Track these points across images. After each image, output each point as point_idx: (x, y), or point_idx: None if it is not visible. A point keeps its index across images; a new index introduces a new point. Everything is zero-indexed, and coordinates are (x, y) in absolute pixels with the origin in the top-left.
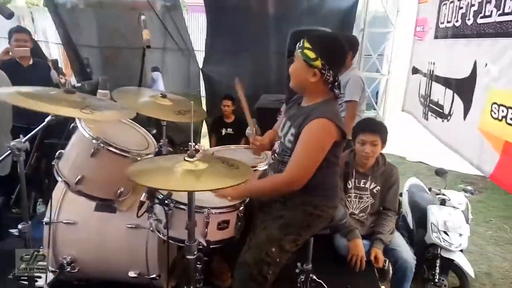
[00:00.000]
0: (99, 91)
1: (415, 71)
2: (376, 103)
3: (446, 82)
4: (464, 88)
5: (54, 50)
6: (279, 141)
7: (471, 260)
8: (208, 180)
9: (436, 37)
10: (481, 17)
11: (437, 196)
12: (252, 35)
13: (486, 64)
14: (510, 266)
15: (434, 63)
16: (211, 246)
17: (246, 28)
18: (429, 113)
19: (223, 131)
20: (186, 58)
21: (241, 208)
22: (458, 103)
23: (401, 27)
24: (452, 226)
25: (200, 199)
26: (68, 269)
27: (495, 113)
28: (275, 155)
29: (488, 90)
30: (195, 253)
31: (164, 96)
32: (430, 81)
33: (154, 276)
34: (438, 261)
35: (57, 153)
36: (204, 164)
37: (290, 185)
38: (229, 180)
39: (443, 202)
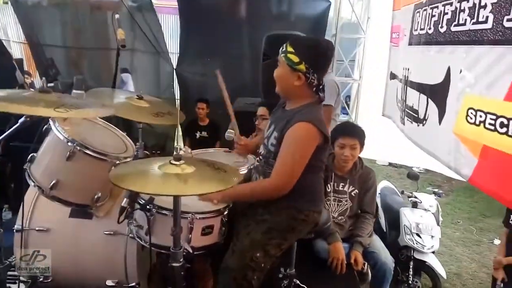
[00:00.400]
0: (74, 91)
1: (392, 76)
2: (348, 107)
3: (420, 88)
4: (438, 93)
5: (16, 49)
6: (263, 144)
7: (441, 261)
8: (196, 184)
9: (410, 43)
10: (455, 25)
11: (409, 199)
12: (226, 38)
13: (460, 71)
14: (478, 267)
15: (408, 69)
16: (195, 253)
17: (219, 31)
18: (405, 118)
19: (198, 134)
20: (156, 59)
21: (225, 212)
22: (433, 108)
23: (372, 33)
24: (425, 228)
25: (184, 203)
26: (41, 279)
27: (471, 118)
28: (260, 157)
29: (463, 96)
30: (181, 260)
31: (140, 97)
32: (405, 86)
33: (133, 284)
34: (411, 263)
35: (29, 157)
36: (190, 168)
37: (277, 190)
38: (218, 184)
39: (414, 205)
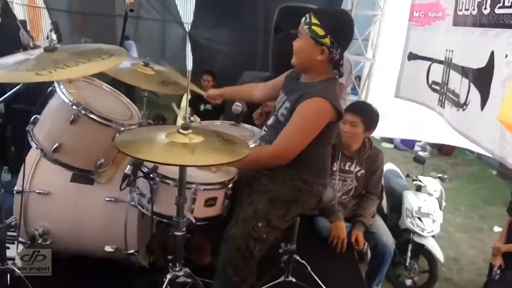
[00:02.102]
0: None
1: (413, 57)
2: (358, 86)
3: (463, 71)
4: (480, 78)
5: (19, 10)
6: (273, 114)
7: (440, 246)
8: (203, 154)
9: (455, 24)
10: (500, 7)
11: (414, 182)
12: (239, 8)
13: (506, 56)
14: (477, 253)
15: (452, 51)
16: (197, 223)
17: (233, 1)
18: (446, 101)
19: (202, 107)
20: (162, 27)
21: (230, 185)
22: (475, 93)
23: (390, 11)
24: (426, 212)
25: (188, 174)
26: (40, 241)
27: None
28: (267, 127)
29: (509, 82)
30: (183, 229)
31: (146, 64)
32: (448, 69)
33: (132, 251)
34: (410, 245)
35: (32, 118)
36: (198, 138)
37: (276, 158)
38: (226, 156)
39: (418, 189)
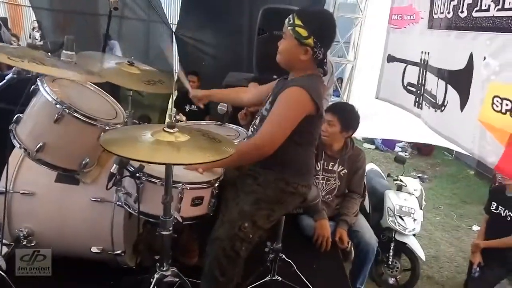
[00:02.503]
0: (64, 51)
1: (391, 59)
2: (340, 88)
3: (439, 73)
4: (459, 79)
5: None
6: (259, 114)
7: (420, 244)
8: (189, 153)
9: (430, 27)
10: (477, 11)
11: (395, 182)
12: (224, 10)
13: (484, 58)
14: (456, 251)
15: (428, 53)
16: (184, 223)
17: (219, 3)
18: (423, 103)
19: (187, 108)
20: (146, 28)
21: (216, 184)
22: (453, 94)
23: (371, 14)
24: (407, 211)
25: (174, 173)
26: (24, 243)
27: (497, 106)
28: (254, 126)
29: (488, 83)
30: (170, 229)
31: (131, 64)
32: (424, 70)
33: (119, 252)
34: (392, 244)
35: (15, 117)
36: (184, 136)
37: (258, 149)
38: (212, 154)
39: (399, 188)
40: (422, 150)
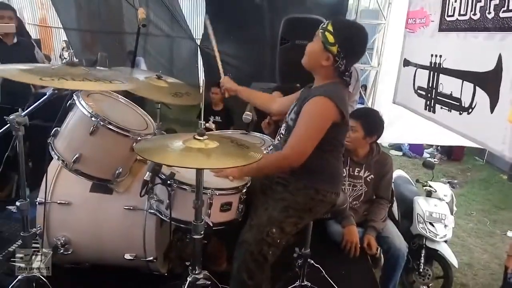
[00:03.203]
0: (98, 68)
1: (407, 63)
2: (365, 95)
3: (464, 75)
4: (488, 81)
5: (31, 31)
6: (284, 123)
7: (453, 251)
8: (218, 158)
9: (441, 29)
10: (504, 11)
11: (424, 188)
12: (246, 21)
13: None
14: (490, 258)
15: (441, 56)
16: (214, 228)
17: (239, 13)
18: (437, 106)
19: (211, 119)
20: (169, 43)
21: (244, 190)
22: (482, 96)
23: (394, 20)
24: (438, 217)
25: (204, 180)
26: (62, 251)
27: None
28: (281, 135)
29: None
30: (202, 233)
31: (159, 77)
32: (435, 73)
33: (151, 258)
34: (423, 251)
35: (52, 131)
36: (213, 143)
37: (288, 160)
38: (240, 159)
39: (429, 194)
40: (451, 155)
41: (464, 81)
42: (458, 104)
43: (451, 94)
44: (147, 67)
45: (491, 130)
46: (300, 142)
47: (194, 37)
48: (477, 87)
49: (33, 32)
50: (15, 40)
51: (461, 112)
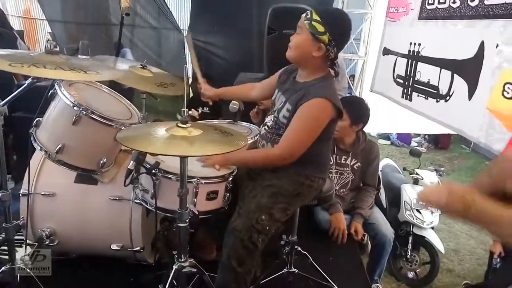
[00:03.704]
0: (80, 56)
1: (386, 52)
2: (353, 84)
3: (442, 63)
4: (467, 69)
5: (14, 22)
6: (271, 115)
7: (440, 238)
8: (202, 146)
9: (420, 18)
10: None
11: (411, 176)
12: (234, 11)
13: (497, 45)
14: (476, 243)
15: (419, 44)
16: (200, 217)
17: (228, 5)
18: (414, 93)
19: (199, 110)
20: (157, 35)
21: (230, 179)
22: (460, 84)
23: (380, 9)
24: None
25: (189, 169)
26: (47, 242)
27: (508, 93)
28: (267, 127)
29: (500, 71)
30: (187, 221)
31: (144, 67)
32: (413, 61)
33: (138, 248)
34: (410, 238)
35: (34, 121)
36: (197, 131)
37: (283, 159)
38: (224, 147)
39: (416, 181)
40: (439, 144)
41: (442, 69)
42: (435, 92)
43: (428, 82)
44: (135, 59)
45: (468, 117)
46: (297, 143)
47: (181, 28)
48: (455, 75)
49: (17, 24)
50: None
51: (438, 99)
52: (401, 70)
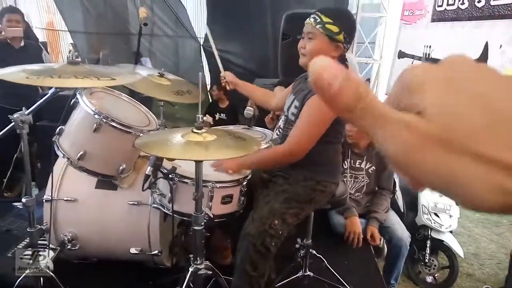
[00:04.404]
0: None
1: (401, 55)
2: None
3: None
4: None
5: (38, 34)
6: (283, 115)
7: (459, 242)
8: (216, 150)
9: (433, 20)
10: None
11: None
12: (249, 19)
13: (500, 46)
14: (497, 247)
15: (430, 46)
16: (215, 220)
17: (243, 12)
18: None
19: (217, 116)
20: (175, 43)
21: (244, 183)
22: None
23: (394, 12)
24: (442, 207)
25: (205, 173)
26: (69, 247)
27: None
28: (280, 129)
29: (503, 71)
30: (202, 224)
31: (162, 75)
32: None
33: (156, 252)
34: (428, 242)
35: (57, 129)
36: (211, 136)
37: (289, 156)
38: (238, 151)
39: None
40: None
41: None
42: None
43: None
44: (154, 67)
45: None
46: (301, 139)
47: (197, 36)
48: None
49: (41, 36)
50: (22, 44)
51: None
52: None
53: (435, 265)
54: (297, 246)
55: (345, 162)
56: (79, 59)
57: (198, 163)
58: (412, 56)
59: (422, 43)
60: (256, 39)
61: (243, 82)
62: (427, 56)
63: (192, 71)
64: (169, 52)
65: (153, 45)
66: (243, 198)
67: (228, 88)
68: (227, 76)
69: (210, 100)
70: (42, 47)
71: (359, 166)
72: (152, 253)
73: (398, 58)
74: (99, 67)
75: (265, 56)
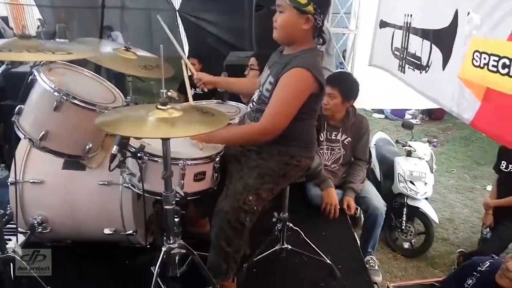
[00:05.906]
0: (57, 40)
1: (383, 24)
2: (344, 59)
3: (424, 33)
4: (443, 38)
5: (1, 9)
6: (257, 89)
7: (434, 208)
8: (183, 127)
9: None
10: None
11: (404, 148)
12: None
13: (468, 13)
14: (470, 212)
15: (411, 15)
16: (188, 198)
17: None
18: (407, 66)
19: (192, 91)
20: (147, 16)
21: (217, 159)
22: (437, 54)
23: None
24: (418, 175)
25: (176, 151)
26: (40, 230)
27: (476, 61)
28: (253, 103)
29: (470, 39)
30: (173, 203)
31: (128, 49)
32: (407, 33)
33: (130, 232)
34: (404, 209)
35: (16, 109)
36: (178, 112)
37: (264, 134)
38: (205, 127)
39: (409, 154)
40: (432, 115)
41: (424, 40)
42: (419, 63)
43: (415, 53)
44: (127, 41)
45: (442, 87)
46: (277, 116)
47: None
48: (433, 45)
49: (3, 10)
50: None
51: (421, 70)
52: (397, 42)
53: (411, 232)
54: (274, 220)
55: (321, 134)
56: (33, 34)
57: (165, 140)
58: (393, 26)
59: (402, 12)
60: (233, 10)
61: (221, 78)
62: (408, 25)
63: (168, 43)
64: (142, 26)
65: (125, 19)
66: (216, 174)
67: (206, 89)
68: (203, 77)
69: (189, 73)
70: (1, 20)
71: (335, 138)
72: (127, 233)
73: (380, 27)
74: (54, 42)
75: (241, 28)
